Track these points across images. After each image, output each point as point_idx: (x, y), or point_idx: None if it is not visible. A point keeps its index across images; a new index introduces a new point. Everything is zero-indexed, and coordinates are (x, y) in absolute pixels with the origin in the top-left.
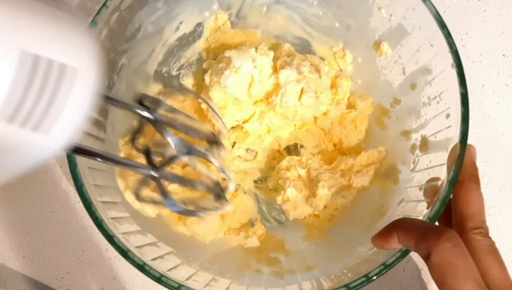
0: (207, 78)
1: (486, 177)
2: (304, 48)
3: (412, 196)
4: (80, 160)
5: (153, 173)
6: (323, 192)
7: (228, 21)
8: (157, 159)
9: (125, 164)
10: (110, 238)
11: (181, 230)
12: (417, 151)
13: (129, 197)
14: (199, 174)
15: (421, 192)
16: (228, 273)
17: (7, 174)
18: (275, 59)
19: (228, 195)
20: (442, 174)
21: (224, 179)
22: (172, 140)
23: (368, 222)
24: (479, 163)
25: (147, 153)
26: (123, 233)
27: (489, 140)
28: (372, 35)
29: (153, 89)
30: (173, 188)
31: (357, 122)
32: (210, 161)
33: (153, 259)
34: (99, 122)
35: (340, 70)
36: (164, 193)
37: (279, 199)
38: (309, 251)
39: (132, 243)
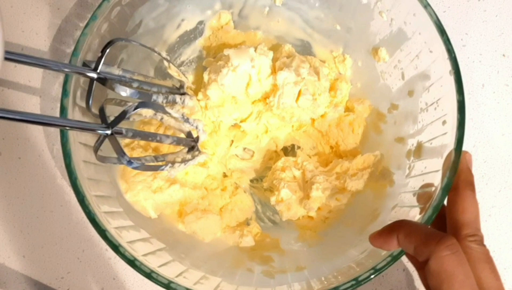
0: (205, 75)
1: (486, 177)
2: (305, 49)
3: (406, 201)
4: (75, 154)
5: (104, 131)
6: (317, 195)
7: (231, 21)
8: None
9: (71, 126)
10: (102, 232)
11: (179, 228)
12: (412, 157)
13: (131, 198)
14: (169, 128)
15: (415, 198)
16: (220, 272)
17: None
18: (275, 59)
19: (200, 145)
20: (436, 180)
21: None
22: (123, 93)
23: (360, 225)
24: (479, 163)
25: (100, 111)
26: (116, 228)
27: (489, 140)
28: (372, 39)
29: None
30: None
31: (355, 125)
32: (167, 112)
33: (145, 255)
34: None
35: (340, 73)
36: (119, 150)
37: (273, 200)
38: (301, 252)
39: (124, 238)
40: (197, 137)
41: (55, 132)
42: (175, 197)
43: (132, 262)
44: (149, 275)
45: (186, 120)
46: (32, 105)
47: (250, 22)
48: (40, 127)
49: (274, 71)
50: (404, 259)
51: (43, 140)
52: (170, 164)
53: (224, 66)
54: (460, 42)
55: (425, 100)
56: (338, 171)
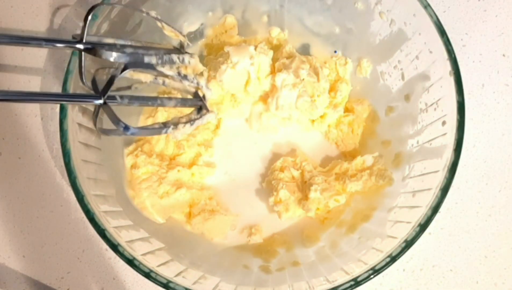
0: (205, 72)
1: (486, 177)
2: (305, 51)
3: (405, 202)
4: (75, 153)
5: (96, 100)
6: (316, 196)
7: (236, 27)
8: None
9: (61, 99)
10: (101, 231)
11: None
12: (412, 158)
13: (138, 205)
14: (176, 90)
15: (415, 199)
16: (218, 271)
17: None
18: (275, 59)
19: (207, 103)
20: (436, 181)
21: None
22: (110, 57)
23: (357, 224)
24: (479, 163)
25: (92, 82)
26: (115, 227)
27: (489, 140)
28: (373, 39)
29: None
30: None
31: (354, 125)
32: (159, 71)
33: (144, 254)
34: (94, 131)
35: (340, 76)
36: (114, 118)
37: (271, 201)
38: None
39: (123, 237)
40: (204, 96)
41: (55, 132)
42: (182, 200)
43: (131, 262)
44: (148, 274)
45: (184, 77)
46: (32, 105)
47: (250, 27)
48: (40, 127)
49: (273, 71)
50: (404, 259)
51: (43, 140)
52: (172, 126)
53: (223, 62)
54: (460, 42)
55: (425, 100)
56: (338, 171)
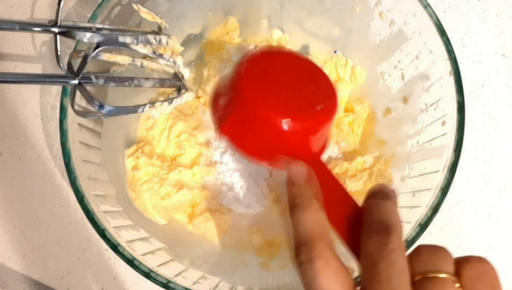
0: (205, 72)
1: (486, 177)
2: (305, 51)
3: (405, 202)
4: (75, 153)
5: (71, 81)
6: None
7: (238, 28)
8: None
9: (39, 79)
10: (101, 231)
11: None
12: (412, 158)
13: (139, 206)
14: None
15: (414, 198)
16: (219, 271)
17: None
18: None
19: (185, 82)
20: (436, 181)
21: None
22: (84, 38)
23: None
24: (479, 163)
25: (68, 64)
26: (115, 227)
27: (489, 140)
28: (373, 39)
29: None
30: None
31: (354, 125)
32: (133, 50)
33: (144, 254)
34: (95, 131)
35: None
36: (89, 98)
37: (271, 201)
38: None
39: (123, 237)
40: (182, 76)
41: (55, 132)
42: (184, 201)
43: (131, 262)
44: (148, 274)
45: (160, 56)
46: (32, 105)
47: (251, 27)
48: (40, 127)
49: None
50: None
51: (43, 140)
52: (149, 104)
53: (223, 61)
54: (460, 42)
55: (425, 100)
56: (338, 172)
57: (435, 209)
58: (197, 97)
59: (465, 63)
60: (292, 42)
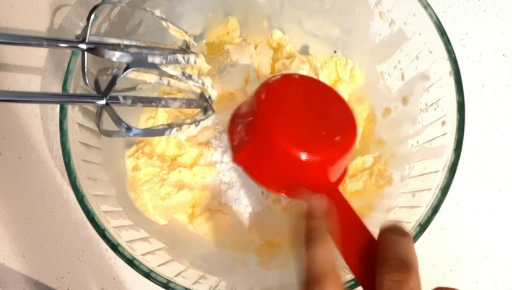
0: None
1: (486, 177)
2: (304, 51)
3: (405, 202)
4: (75, 153)
5: (98, 101)
6: None
7: (238, 29)
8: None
9: (66, 99)
10: (101, 231)
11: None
12: (412, 158)
13: (140, 207)
14: (180, 90)
15: (414, 199)
16: (218, 271)
17: None
18: (275, 59)
19: (212, 104)
20: (436, 181)
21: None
22: (113, 57)
23: None
24: (479, 163)
25: (95, 82)
26: (115, 227)
27: (489, 140)
28: (373, 39)
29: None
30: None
31: None
32: (163, 71)
33: (144, 254)
34: (95, 131)
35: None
36: (116, 119)
37: (271, 201)
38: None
39: (123, 237)
40: (209, 97)
41: (55, 132)
42: (184, 201)
43: (131, 262)
44: (148, 274)
45: (189, 77)
46: (32, 105)
47: (251, 28)
48: (40, 127)
49: (273, 71)
50: None
51: (43, 140)
52: (177, 127)
53: (223, 61)
54: (460, 42)
55: (425, 100)
56: None
57: (435, 209)
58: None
59: (465, 63)
60: (292, 43)
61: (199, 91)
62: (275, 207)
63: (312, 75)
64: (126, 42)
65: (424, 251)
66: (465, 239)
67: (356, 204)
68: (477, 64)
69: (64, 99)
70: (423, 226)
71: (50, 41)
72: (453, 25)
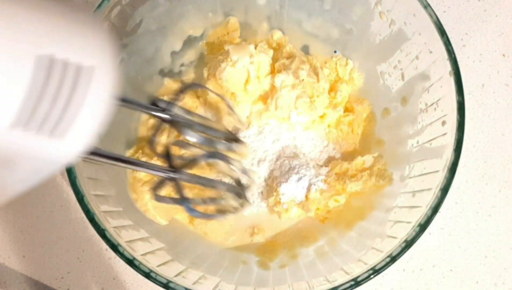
0: (205, 71)
1: (486, 177)
2: (305, 51)
3: (405, 202)
4: None
5: (172, 174)
6: (315, 196)
7: (238, 29)
8: (178, 162)
9: (145, 167)
10: (101, 231)
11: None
12: (412, 158)
13: (141, 207)
14: (219, 172)
15: (414, 199)
16: (219, 271)
17: (26, 183)
18: (275, 59)
19: (249, 195)
20: (436, 181)
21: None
22: (194, 138)
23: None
24: (479, 163)
25: (169, 155)
26: (115, 227)
27: (489, 140)
28: (373, 39)
29: (157, 86)
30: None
31: (354, 125)
32: (232, 164)
33: (144, 254)
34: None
35: (340, 77)
36: (183, 196)
37: (271, 201)
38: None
39: (123, 237)
40: (248, 186)
41: None
42: None
43: (131, 262)
44: (148, 274)
45: (245, 172)
46: None
47: (252, 28)
48: None
49: (273, 70)
50: (404, 259)
51: None
52: (221, 215)
53: (223, 60)
54: (460, 42)
55: (425, 100)
56: (338, 172)
57: (435, 209)
58: (197, 97)
59: (465, 63)
60: (292, 43)
61: (236, 177)
62: (274, 208)
63: (312, 75)
64: (187, 115)
65: (424, 251)
66: (465, 239)
67: (356, 204)
68: (477, 64)
69: (141, 167)
70: (423, 226)
71: (145, 108)
72: (453, 25)
